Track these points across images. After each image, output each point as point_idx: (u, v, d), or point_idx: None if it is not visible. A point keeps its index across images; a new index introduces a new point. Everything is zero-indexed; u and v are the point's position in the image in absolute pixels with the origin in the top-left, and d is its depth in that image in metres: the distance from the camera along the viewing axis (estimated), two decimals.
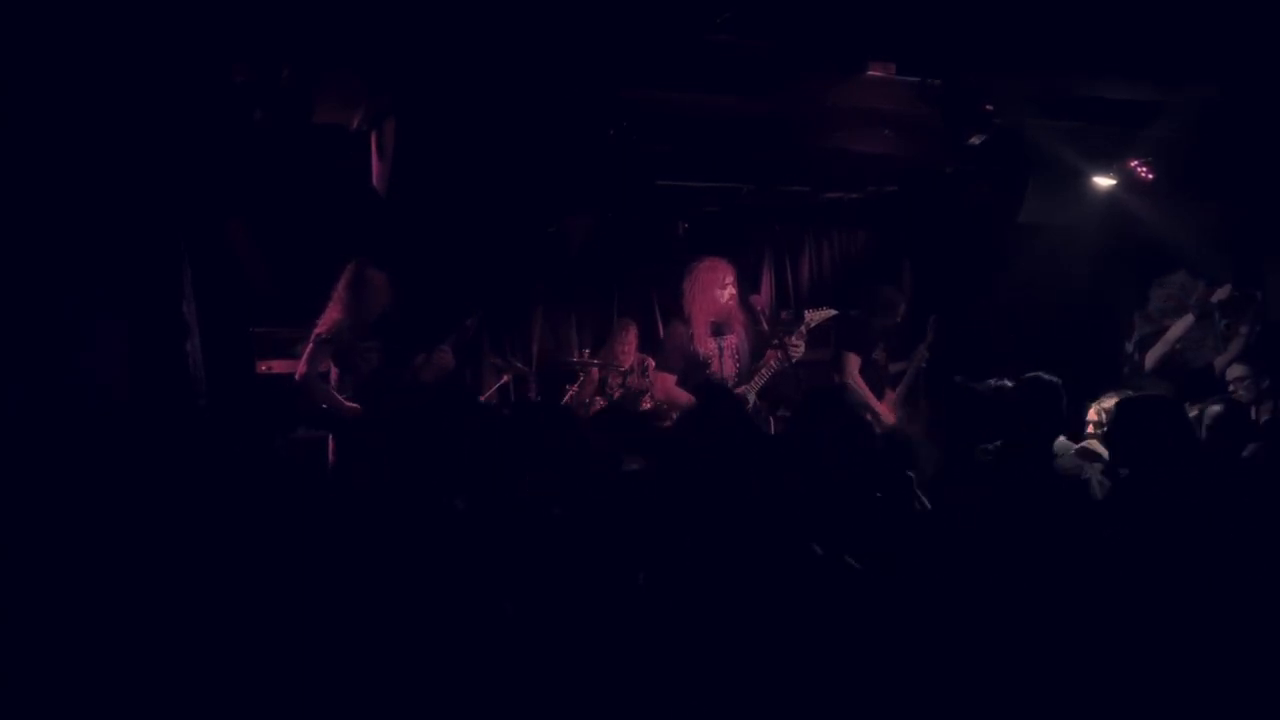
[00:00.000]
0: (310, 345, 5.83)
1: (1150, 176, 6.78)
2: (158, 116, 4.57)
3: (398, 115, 5.65)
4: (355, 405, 5.83)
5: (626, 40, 5.18)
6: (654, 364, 6.88)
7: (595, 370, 7.53)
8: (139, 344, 4.46)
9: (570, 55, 5.29)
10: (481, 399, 7.45)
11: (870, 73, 5.71)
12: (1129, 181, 6.84)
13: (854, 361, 6.94)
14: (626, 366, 7.51)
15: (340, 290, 5.90)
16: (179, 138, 4.72)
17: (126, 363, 4.38)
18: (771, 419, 6.47)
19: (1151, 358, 6.84)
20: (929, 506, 4.21)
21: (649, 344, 7.57)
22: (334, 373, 5.97)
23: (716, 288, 6.29)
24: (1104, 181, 6.85)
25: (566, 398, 7.55)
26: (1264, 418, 6.07)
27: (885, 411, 6.92)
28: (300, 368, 5.84)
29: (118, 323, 4.40)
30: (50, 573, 3.65)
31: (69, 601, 3.52)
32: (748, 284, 8.07)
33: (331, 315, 5.86)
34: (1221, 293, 6.71)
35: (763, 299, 7.94)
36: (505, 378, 7.76)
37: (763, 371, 6.25)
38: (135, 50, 4.41)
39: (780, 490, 3.54)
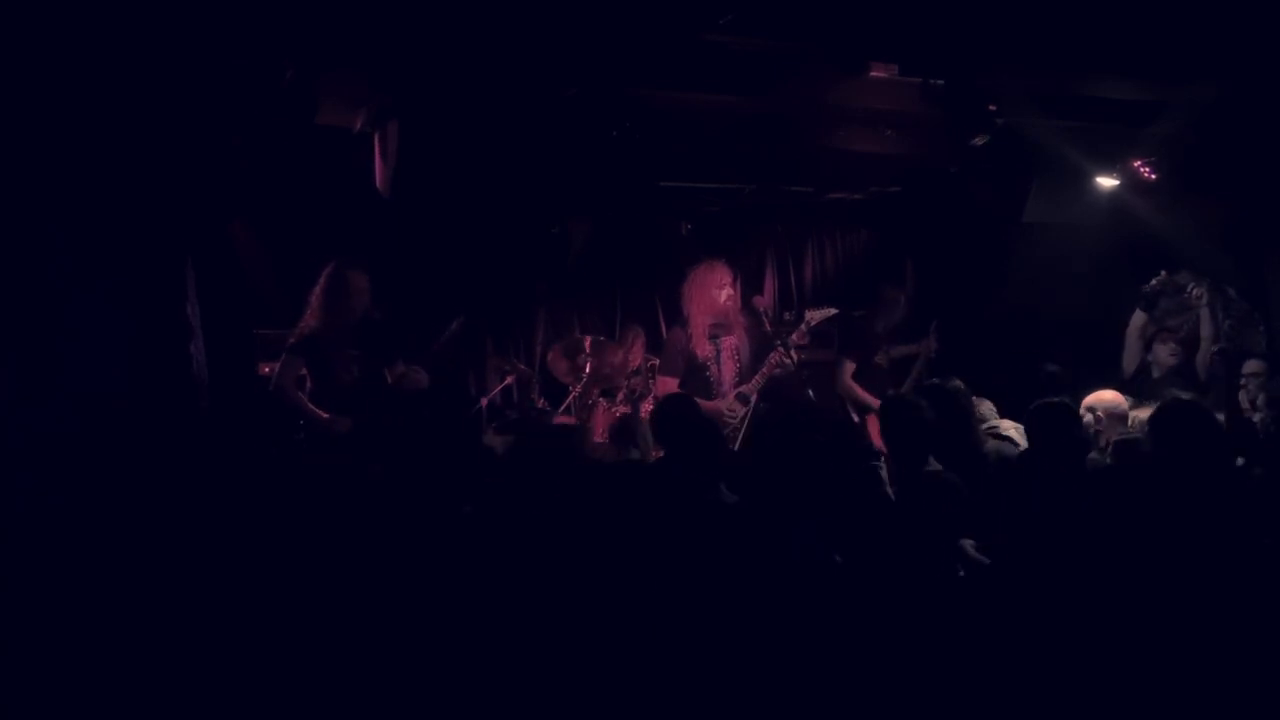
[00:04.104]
0: (283, 353, 5.63)
1: (1153, 176, 6.77)
2: (161, 118, 4.58)
3: (401, 117, 5.65)
4: (328, 415, 5.52)
5: (629, 41, 5.19)
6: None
7: (590, 368, 7.52)
8: (142, 346, 4.45)
9: (573, 56, 5.30)
10: (484, 400, 7.46)
11: (873, 73, 5.71)
12: (1132, 181, 6.84)
13: (848, 368, 7.00)
14: (632, 369, 7.51)
15: (316, 294, 5.64)
16: (183, 139, 4.73)
17: (129, 364, 4.37)
18: (774, 419, 6.47)
19: (1127, 363, 6.87)
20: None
21: (656, 345, 7.57)
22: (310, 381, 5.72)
23: (714, 289, 6.29)
24: (1107, 181, 6.85)
25: (569, 399, 7.55)
26: (1258, 416, 6.05)
27: None
28: (274, 377, 5.60)
29: (121, 324, 4.39)
30: (52, 575, 3.66)
31: (71, 603, 3.52)
32: (751, 284, 8.08)
33: (306, 322, 5.62)
34: (1156, 282, 6.76)
35: (765, 299, 7.95)
36: (508, 379, 7.77)
37: (764, 372, 6.25)
38: (139, 52, 4.42)
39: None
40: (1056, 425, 4.56)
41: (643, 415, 7.12)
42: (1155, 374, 6.73)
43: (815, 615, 3.24)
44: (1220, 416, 4.88)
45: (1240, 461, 4.79)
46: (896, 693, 3.10)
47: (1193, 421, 4.19)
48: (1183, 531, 3.66)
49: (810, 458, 3.82)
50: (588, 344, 7.51)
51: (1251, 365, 6.39)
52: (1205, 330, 6.67)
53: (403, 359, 5.86)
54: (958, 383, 5.21)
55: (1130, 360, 6.89)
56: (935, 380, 4.86)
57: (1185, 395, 5.25)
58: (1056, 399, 4.69)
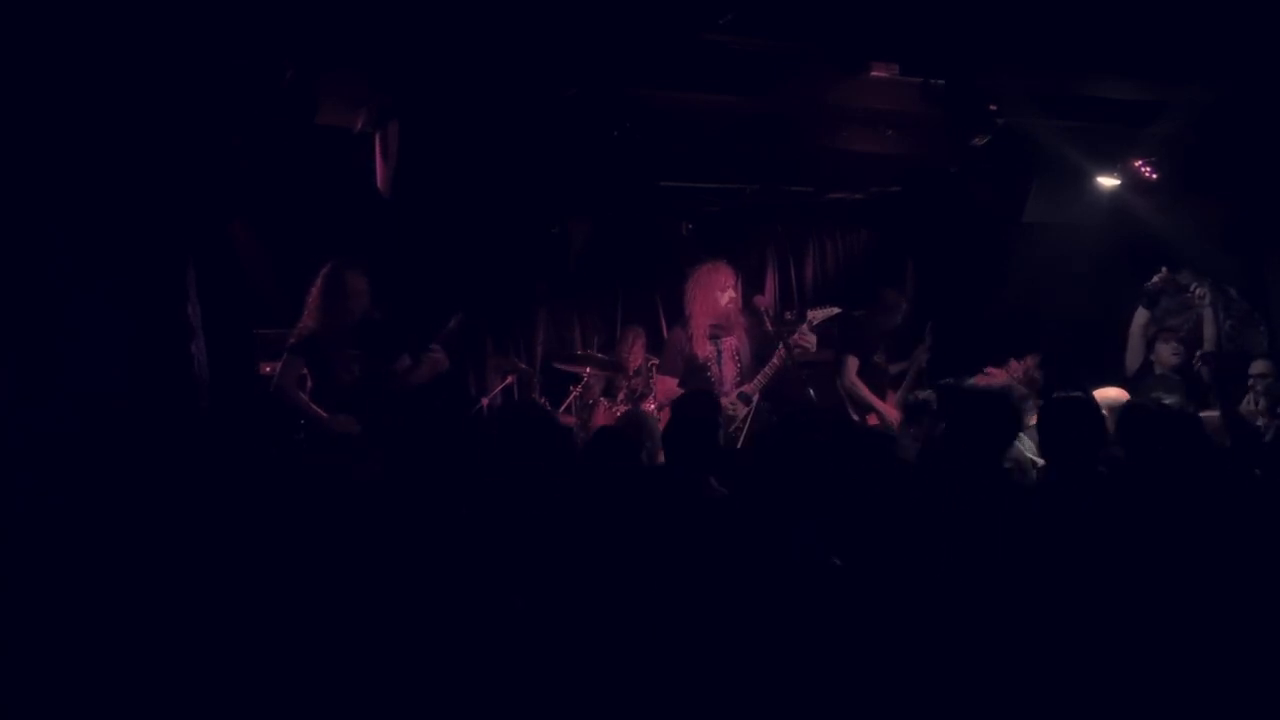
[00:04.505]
0: (284, 353, 5.63)
1: (1154, 175, 6.78)
2: (161, 118, 4.58)
3: (401, 117, 5.65)
4: (329, 415, 5.50)
5: (629, 41, 5.19)
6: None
7: (591, 370, 7.54)
8: (142, 346, 4.45)
9: (574, 56, 5.30)
10: (485, 400, 7.46)
11: (873, 73, 5.72)
12: (1132, 180, 6.84)
13: (852, 364, 7.01)
14: (633, 369, 7.52)
15: (314, 295, 5.62)
16: (183, 140, 4.73)
17: (129, 364, 4.37)
18: (776, 418, 6.48)
19: (1130, 361, 6.87)
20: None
21: (656, 345, 7.58)
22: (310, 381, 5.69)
23: (717, 291, 6.30)
24: (1108, 181, 6.86)
25: (570, 399, 7.56)
26: (1259, 420, 6.04)
27: (888, 410, 6.93)
28: (275, 376, 5.59)
29: (121, 324, 4.39)
30: (52, 575, 3.66)
31: (71, 603, 3.52)
32: (752, 284, 8.08)
33: (304, 323, 5.60)
34: (1158, 279, 6.76)
35: (767, 299, 7.95)
36: (509, 379, 7.78)
37: (766, 371, 6.25)
38: (139, 52, 4.42)
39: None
40: (1070, 421, 4.18)
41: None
42: (1157, 372, 6.74)
43: (817, 617, 3.24)
44: (1204, 417, 4.84)
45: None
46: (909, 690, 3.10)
47: (1156, 425, 4.08)
48: (1156, 534, 3.63)
49: (810, 457, 3.81)
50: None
51: (1258, 366, 6.38)
52: (1208, 330, 6.67)
53: (409, 354, 5.85)
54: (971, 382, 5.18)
55: (1133, 359, 6.90)
56: (949, 380, 4.84)
57: (1169, 399, 5.22)
58: (1074, 393, 4.53)
